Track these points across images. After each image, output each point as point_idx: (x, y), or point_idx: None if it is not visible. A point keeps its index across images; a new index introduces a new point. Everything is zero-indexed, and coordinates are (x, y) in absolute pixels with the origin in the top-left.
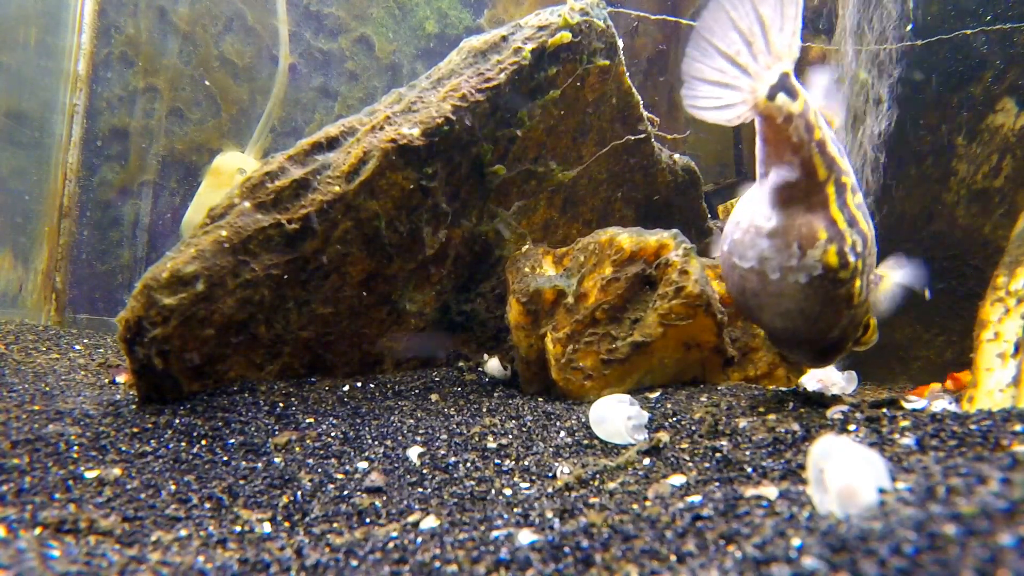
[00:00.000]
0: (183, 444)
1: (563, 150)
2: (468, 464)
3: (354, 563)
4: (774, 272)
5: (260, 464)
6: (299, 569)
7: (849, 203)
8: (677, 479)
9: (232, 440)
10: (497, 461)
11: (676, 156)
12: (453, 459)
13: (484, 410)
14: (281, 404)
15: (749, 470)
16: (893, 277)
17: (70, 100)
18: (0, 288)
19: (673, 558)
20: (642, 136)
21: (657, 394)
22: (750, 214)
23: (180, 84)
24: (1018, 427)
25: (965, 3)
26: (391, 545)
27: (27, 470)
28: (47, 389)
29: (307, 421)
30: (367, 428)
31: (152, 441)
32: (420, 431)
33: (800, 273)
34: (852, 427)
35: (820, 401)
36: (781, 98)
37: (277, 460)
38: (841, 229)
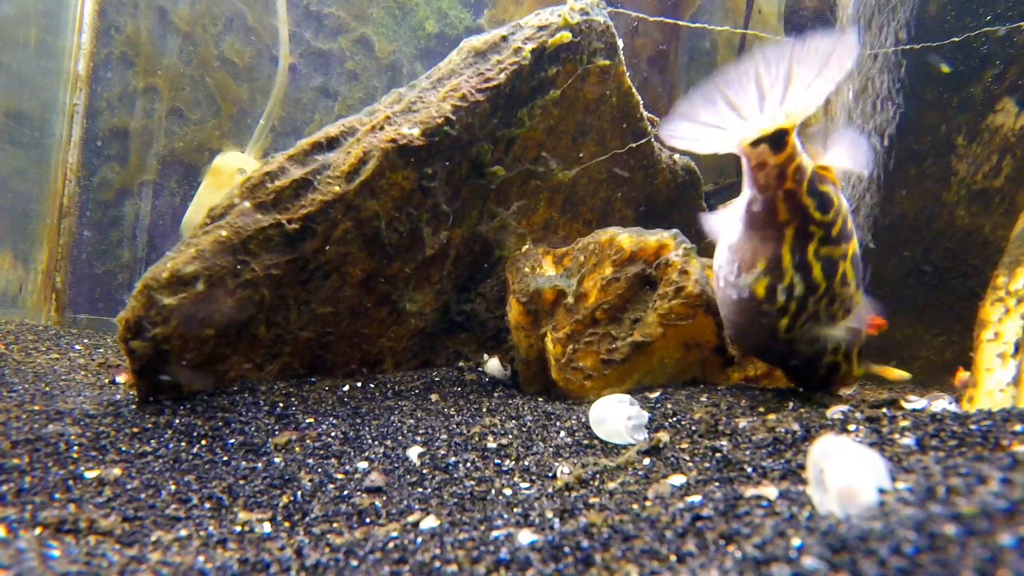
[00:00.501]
0: (183, 444)
1: (563, 150)
2: (468, 464)
3: (354, 563)
4: (719, 280)
5: (260, 464)
6: (299, 569)
7: (809, 251)
8: (677, 479)
9: (232, 440)
10: (497, 461)
11: (676, 156)
12: (453, 459)
13: (484, 410)
14: (281, 404)
15: (749, 470)
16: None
17: (70, 100)
18: (0, 288)
19: (673, 558)
20: (642, 141)
21: (657, 394)
22: (728, 228)
23: (180, 84)
24: (1018, 427)
25: (965, 3)
26: (391, 545)
27: (27, 470)
28: (47, 389)
29: (307, 421)
30: (367, 428)
31: (152, 441)
32: (420, 431)
33: (732, 289)
34: (852, 427)
35: (820, 401)
36: (762, 148)
37: (277, 460)
38: (783, 267)
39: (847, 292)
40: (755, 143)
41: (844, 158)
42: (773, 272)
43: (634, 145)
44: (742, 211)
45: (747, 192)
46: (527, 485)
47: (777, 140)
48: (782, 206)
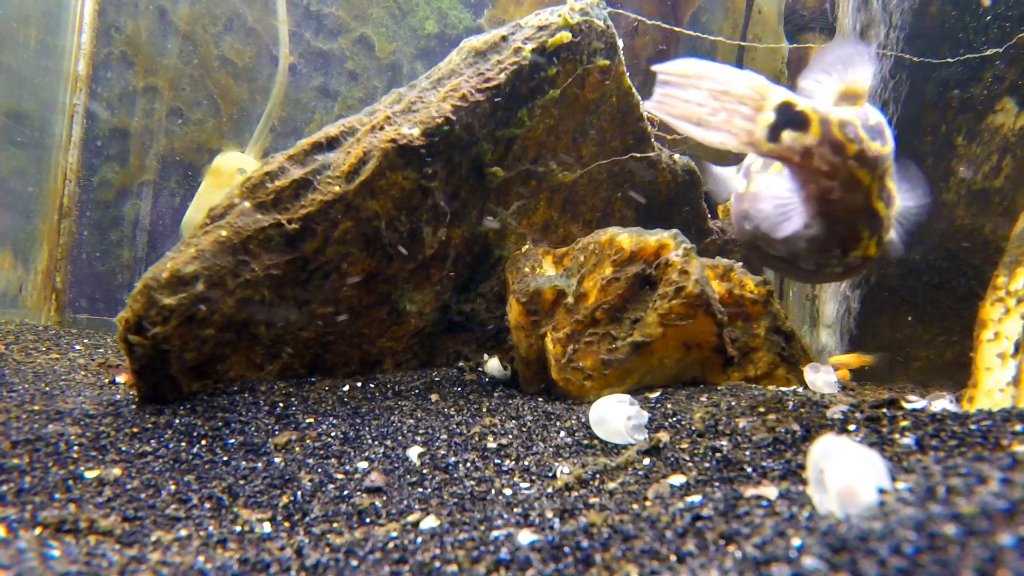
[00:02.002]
0: (183, 444)
1: (563, 150)
2: (468, 464)
3: (354, 563)
4: (808, 263)
5: (260, 464)
6: (299, 569)
7: (888, 183)
8: (677, 479)
9: (232, 440)
10: (497, 461)
11: (676, 156)
12: (453, 459)
13: (484, 410)
14: (281, 404)
15: (749, 470)
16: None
17: (70, 100)
18: (0, 288)
19: (673, 558)
20: (645, 152)
21: (657, 394)
22: (781, 210)
23: (180, 84)
24: (1018, 427)
25: (965, 3)
26: (391, 545)
27: (27, 470)
28: (47, 389)
29: (307, 421)
30: (367, 428)
31: (152, 441)
32: (420, 431)
33: (839, 267)
34: (852, 427)
35: (820, 401)
36: (787, 135)
37: (277, 460)
38: (881, 217)
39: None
40: (772, 135)
41: (905, 195)
42: (876, 229)
43: (639, 156)
44: (807, 205)
45: (809, 190)
46: (527, 485)
47: (793, 118)
48: (860, 173)
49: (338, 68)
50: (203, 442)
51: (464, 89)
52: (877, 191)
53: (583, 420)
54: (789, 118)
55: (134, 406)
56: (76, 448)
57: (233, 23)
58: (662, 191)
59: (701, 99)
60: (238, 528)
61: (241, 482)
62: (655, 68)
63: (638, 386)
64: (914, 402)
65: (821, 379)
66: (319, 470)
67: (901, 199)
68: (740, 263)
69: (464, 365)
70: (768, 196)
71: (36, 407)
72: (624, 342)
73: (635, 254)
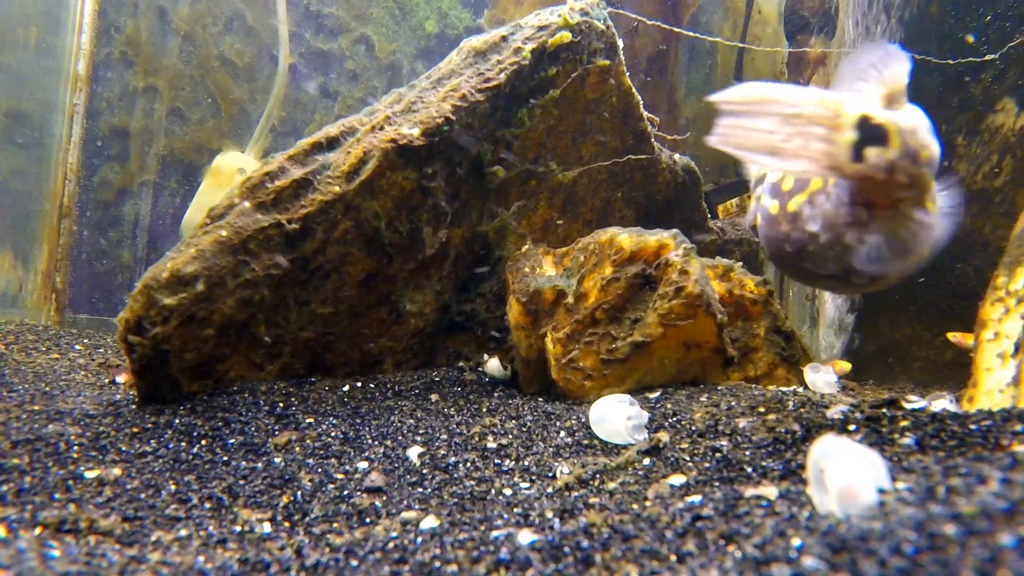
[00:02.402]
0: (183, 444)
1: (563, 150)
2: (468, 464)
3: (354, 563)
4: (862, 281)
5: (260, 464)
6: (299, 569)
7: (936, 198)
8: (677, 479)
9: (232, 440)
10: (497, 461)
11: (676, 156)
12: (453, 459)
13: (484, 410)
14: (281, 404)
15: (749, 470)
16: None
17: (70, 100)
18: (0, 288)
19: (673, 558)
20: (644, 156)
21: (657, 394)
22: (834, 231)
23: (180, 84)
24: (1018, 427)
25: (965, 3)
26: (391, 545)
27: (27, 470)
28: (47, 389)
29: (307, 421)
30: (367, 428)
31: (152, 441)
32: (420, 431)
33: (894, 276)
34: (852, 427)
35: (820, 401)
36: (871, 152)
37: (277, 460)
38: (931, 225)
39: None
40: (855, 154)
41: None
42: (928, 235)
43: (633, 158)
44: (879, 222)
45: (877, 202)
46: (527, 485)
47: (874, 131)
48: (929, 175)
49: (338, 68)
50: (203, 442)
51: (464, 89)
52: (933, 191)
53: (583, 420)
54: (870, 133)
55: (134, 406)
56: (76, 448)
57: (233, 23)
58: (662, 191)
59: (771, 126)
60: (238, 528)
61: (241, 482)
62: (714, 98)
63: (638, 386)
64: (914, 402)
65: (821, 379)
66: (319, 470)
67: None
68: (740, 263)
69: (464, 365)
70: (823, 218)
71: (36, 407)
72: (624, 342)
73: (635, 254)
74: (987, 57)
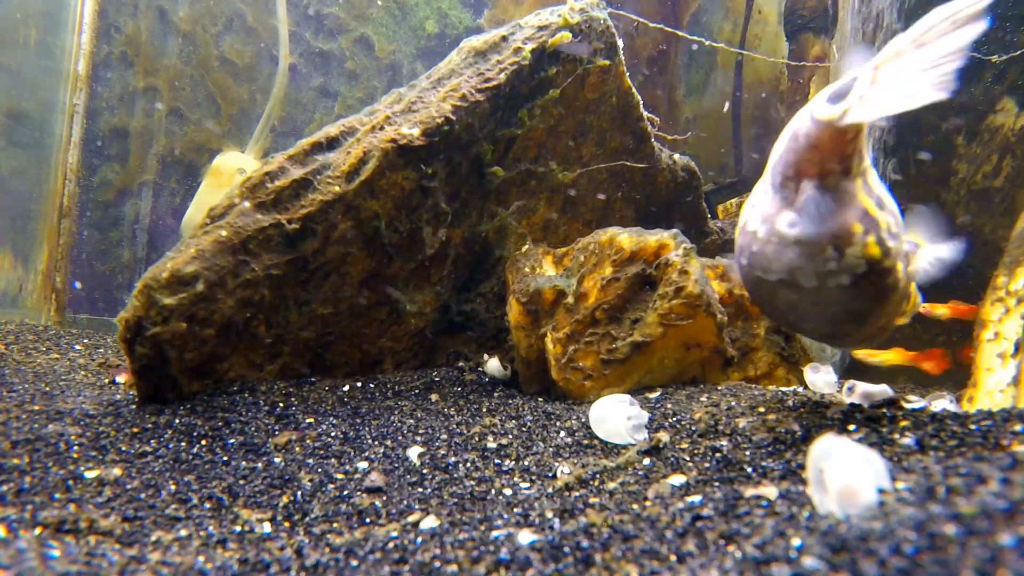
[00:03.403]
0: (183, 444)
1: (563, 150)
2: (468, 464)
3: (354, 563)
4: (810, 280)
5: (260, 464)
6: (299, 569)
7: (871, 183)
8: (677, 479)
9: (232, 440)
10: (497, 461)
11: (676, 156)
12: (453, 459)
13: (484, 410)
14: (281, 404)
15: (749, 470)
16: (930, 250)
17: (70, 100)
18: (0, 288)
19: (673, 558)
20: (643, 156)
21: (657, 394)
22: (768, 221)
23: (180, 84)
24: (1018, 427)
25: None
26: (391, 545)
27: (27, 470)
28: (47, 389)
29: (307, 421)
30: (367, 428)
31: (152, 441)
32: (420, 431)
33: (842, 276)
34: (852, 427)
35: (820, 401)
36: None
37: (277, 460)
38: (874, 216)
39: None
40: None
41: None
42: (871, 226)
43: (630, 164)
44: (793, 199)
45: (811, 174)
46: (527, 485)
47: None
48: (856, 161)
49: (338, 68)
50: (203, 442)
51: (464, 89)
52: (861, 183)
53: (583, 420)
54: (843, 90)
55: (134, 406)
56: (76, 448)
57: (233, 23)
58: (662, 191)
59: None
60: (238, 528)
61: (241, 482)
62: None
63: (638, 386)
64: (914, 402)
65: (821, 379)
66: (319, 470)
67: (930, 244)
68: None
69: (464, 365)
70: (760, 213)
71: (36, 407)
72: (624, 342)
73: (635, 254)
74: (992, 58)
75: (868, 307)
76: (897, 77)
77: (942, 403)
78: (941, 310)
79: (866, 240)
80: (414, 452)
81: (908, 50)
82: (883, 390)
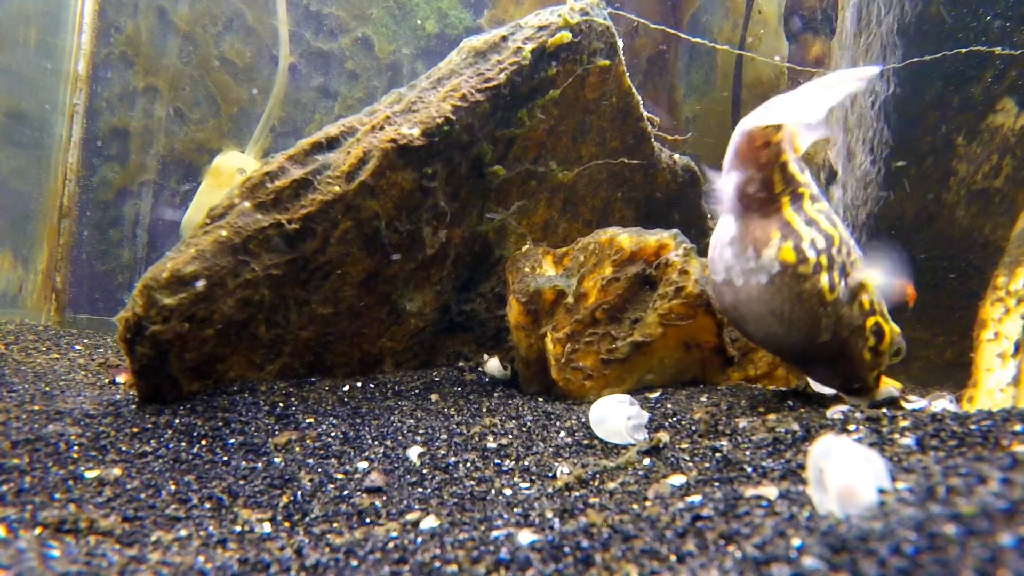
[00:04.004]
0: (183, 444)
1: (563, 150)
2: (468, 464)
3: (354, 563)
4: (739, 278)
5: (260, 464)
6: (299, 569)
7: (806, 208)
8: (677, 479)
9: (232, 440)
10: (497, 461)
11: (676, 156)
12: (453, 459)
13: (484, 410)
14: (281, 404)
15: (749, 470)
16: (874, 277)
17: (70, 100)
18: (0, 288)
19: (673, 558)
20: (645, 152)
21: (657, 394)
22: (718, 232)
23: (180, 84)
24: (1018, 427)
25: (965, 3)
26: (391, 545)
27: (27, 470)
28: (47, 389)
29: (307, 421)
30: (367, 428)
31: (152, 441)
32: (420, 431)
33: (760, 273)
34: (852, 427)
35: (820, 401)
36: (769, 128)
37: (277, 460)
38: (795, 228)
39: (851, 241)
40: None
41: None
42: (790, 235)
43: (628, 161)
44: (733, 203)
45: (737, 178)
46: (527, 485)
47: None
48: (778, 177)
49: (338, 68)
50: (203, 442)
51: (464, 89)
52: (788, 202)
53: (583, 420)
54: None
55: (134, 406)
56: (76, 448)
57: (233, 23)
58: (662, 191)
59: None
60: (238, 528)
61: (241, 482)
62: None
63: (638, 386)
64: (914, 402)
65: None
66: (319, 470)
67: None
68: None
69: (464, 365)
70: (712, 238)
71: (36, 407)
72: (624, 342)
73: (635, 254)
74: (996, 50)
75: (788, 308)
76: (790, 99)
77: (942, 403)
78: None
79: (782, 245)
80: (414, 452)
81: (808, 89)
82: (887, 390)
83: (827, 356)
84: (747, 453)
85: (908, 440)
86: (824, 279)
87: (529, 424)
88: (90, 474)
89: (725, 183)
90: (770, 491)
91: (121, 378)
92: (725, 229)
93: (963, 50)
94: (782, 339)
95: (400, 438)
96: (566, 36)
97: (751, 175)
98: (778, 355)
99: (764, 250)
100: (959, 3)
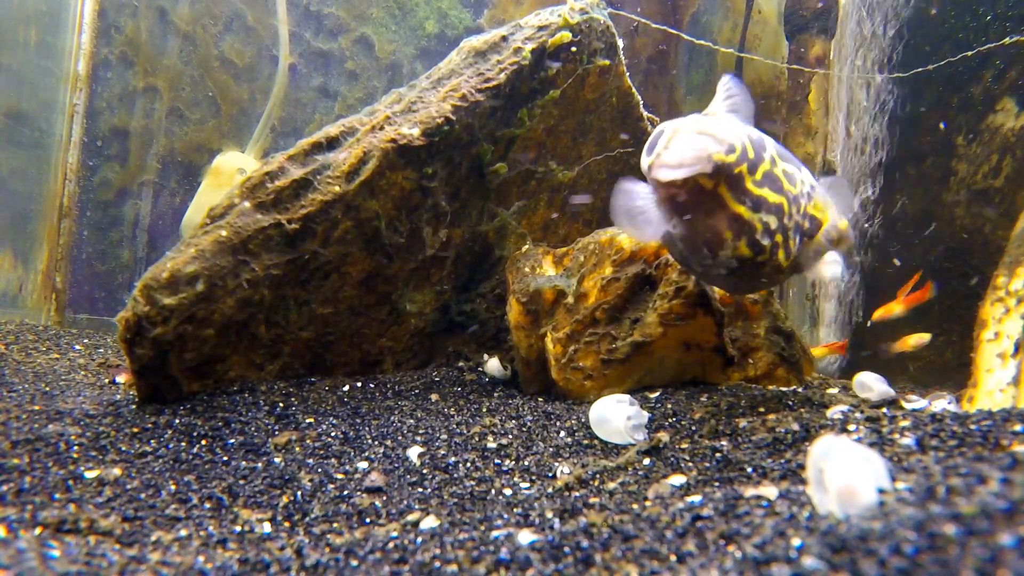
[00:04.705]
0: (183, 444)
1: (563, 150)
2: (468, 464)
3: (354, 563)
4: (698, 266)
5: (260, 464)
6: (299, 569)
7: (749, 188)
8: (677, 479)
9: (232, 440)
10: (497, 461)
11: None
12: (453, 459)
13: (484, 410)
14: (281, 404)
15: (749, 470)
16: (831, 225)
17: (70, 100)
18: (0, 288)
19: (673, 558)
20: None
21: (657, 394)
22: (664, 223)
23: (180, 84)
24: (1018, 427)
25: (965, 3)
26: (391, 545)
27: (27, 470)
28: (47, 389)
29: (307, 421)
30: (367, 428)
31: (152, 441)
32: (420, 431)
33: (720, 268)
34: (852, 427)
35: (820, 401)
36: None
37: (277, 460)
38: (746, 219)
39: (801, 188)
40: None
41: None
42: (742, 229)
43: (625, 147)
44: (663, 210)
45: (663, 193)
46: (527, 485)
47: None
48: (705, 179)
49: (338, 68)
50: (203, 442)
51: (464, 89)
52: (729, 192)
53: (583, 420)
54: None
55: (134, 406)
56: (76, 448)
57: (233, 23)
58: None
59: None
60: (238, 528)
61: (241, 482)
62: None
63: (638, 386)
64: (914, 402)
65: (873, 383)
66: (319, 470)
67: (830, 216)
68: None
69: (464, 365)
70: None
71: (36, 407)
72: (624, 342)
73: (635, 254)
74: (1005, 40)
75: (751, 285)
76: (679, 144)
77: (942, 403)
78: (897, 308)
79: (737, 244)
80: (414, 452)
81: (685, 129)
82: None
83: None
84: (747, 453)
85: (908, 440)
86: (781, 255)
87: (529, 424)
88: (90, 474)
89: (646, 199)
90: (770, 491)
91: (121, 378)
92: (669, 224)
93: (969, 52)
94: (745, 293)
95: (400, 438)
96: (566, 36)
97: (672, 192)
98: (731, 292)
99: (720, 251)
100: (958, 4)
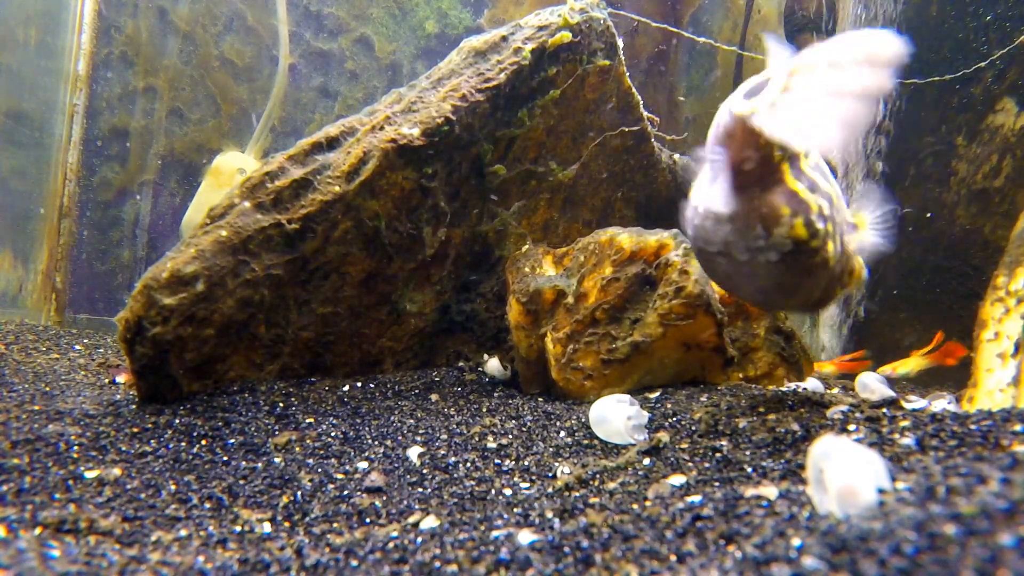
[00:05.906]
0: (183, 444)
1: (563, 150)
2: (468, 464)
3: (354, 563)
4: (743, 254)
5: (260, 464)
6: (299, 569)
7: (804, 169)
8: (677, 479)
9: (232, 440)
10: (497, 461)
11: (676, 156)
12: (453, 459)
13: (484, 410)
14: (281, 404)
15: (749, 470)
16: (867, 236)
17: (70, 100)
18: (0, 288)
19: (673, 558)
20: (636, 128)
21: (657, 394)
22: (706, 200)
23: (180, 84)
24: (1018, 427)
25: (964, 3)
26: (391, 545)
27: (27, 470)
28: (47, 389)
29: (307, 421)
30: (367, 428)
31: (152, 441)
32: (420, 431)
33: (770, 252)
34: (852, 427)
35: (820, 401)
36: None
37: (277, 460)
38: (803, 199)
39: (837, 187)
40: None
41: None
42: (799, 208)
43: (627, 129)
44: (723, 181)
45: (731, 155)
46: (527, 485)
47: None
48: (776, 148)
49: (338, 68)
50: (203, 442)
51: (464, 89)
52: (788, 168)
53: (583, 420)
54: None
55: (134, 406)
56: (76, 448)
57: (233, 23)
58: (662, 191)
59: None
60: (238, 528)
61: (241, 482)
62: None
63: (638, 386)
64: (914, 402)
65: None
66: (319, 470)
67: (869, 214)
68: None
69: (464, 365)
70: (693, 199)
71: (36, 407)
72: (624, 342)
73: (635, 254)
74: (1011, 45)
75: (796, 281)
76: (807, 95)
77: (942, 403)
78: (912, 364)
79: (793, 222)
80: (414, 452)
81: (823, 66)
82: (882, 390)
83: (809, 303)
84: (747, 453)
85: (908, 440)
86: (831, 247)
87: (529, 424)
88: (90, 474)
89: (714, 158)
90: (770, 491)
91: (121, 378)
92: (715, 201)
93: (982, 63)
94: (779, 303)
95: (400, 438)
96: (566, 36)
97: (748, 155)
98: (761, 307)
99: (775, 229)
100: (958, 4)
